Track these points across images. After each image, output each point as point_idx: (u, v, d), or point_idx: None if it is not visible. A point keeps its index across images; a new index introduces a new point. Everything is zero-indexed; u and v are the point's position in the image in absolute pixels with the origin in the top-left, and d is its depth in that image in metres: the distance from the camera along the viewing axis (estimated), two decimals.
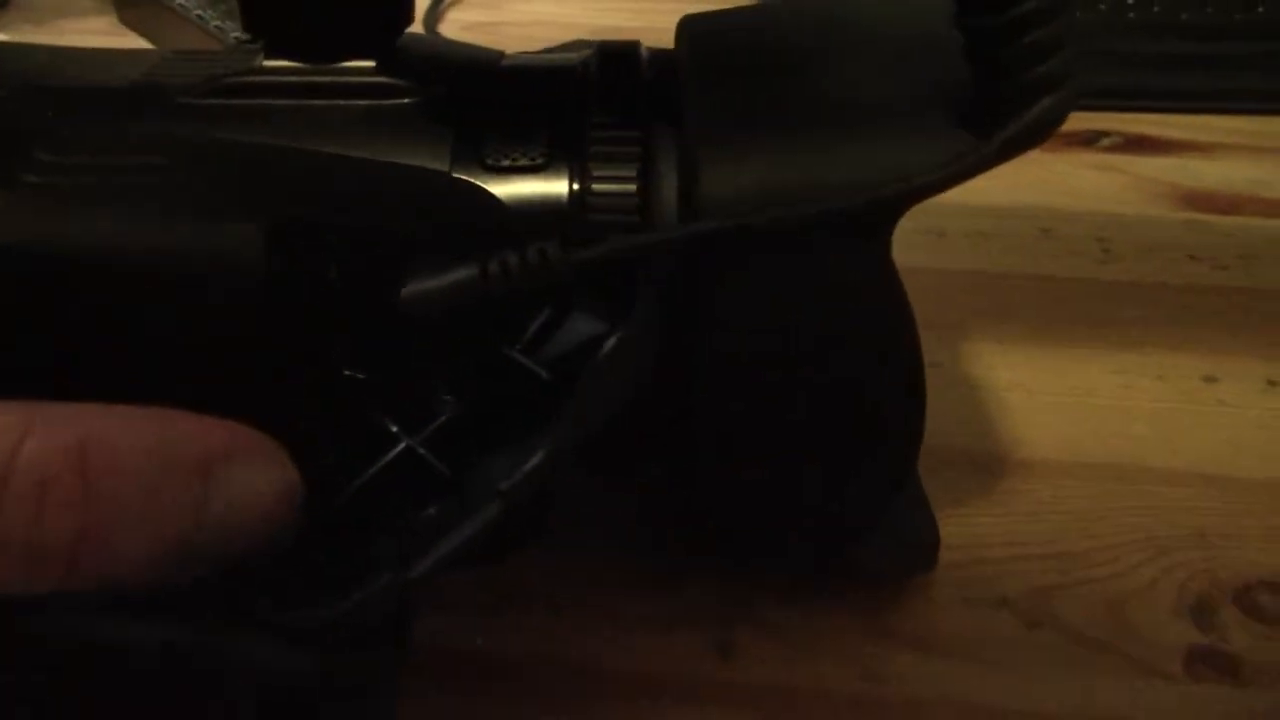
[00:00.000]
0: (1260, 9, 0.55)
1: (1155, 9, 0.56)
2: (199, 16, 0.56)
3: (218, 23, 0.55)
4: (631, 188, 0.22)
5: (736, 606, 0.27)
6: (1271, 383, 0.34)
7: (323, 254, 0.22)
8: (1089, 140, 0.50)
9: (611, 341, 0.19)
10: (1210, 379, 0.34)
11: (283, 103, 0.23)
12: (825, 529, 0.25)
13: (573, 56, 0.25)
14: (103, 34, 0.64)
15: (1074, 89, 0.19)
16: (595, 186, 0.22)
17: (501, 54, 0.26)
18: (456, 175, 0.22)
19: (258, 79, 0.23)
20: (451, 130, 0.23)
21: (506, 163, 0.22)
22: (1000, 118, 0.20)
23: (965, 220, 0.43)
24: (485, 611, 0.27)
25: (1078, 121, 0.51)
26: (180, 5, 0.57)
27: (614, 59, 0.24)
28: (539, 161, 0.22)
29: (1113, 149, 0.50)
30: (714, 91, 0.22)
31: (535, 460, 0.18)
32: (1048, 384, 0.35)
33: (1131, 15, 0.56)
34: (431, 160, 0.22)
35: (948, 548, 0.27)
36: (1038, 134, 0.20)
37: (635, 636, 0.27)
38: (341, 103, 0.23)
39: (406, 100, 0.23)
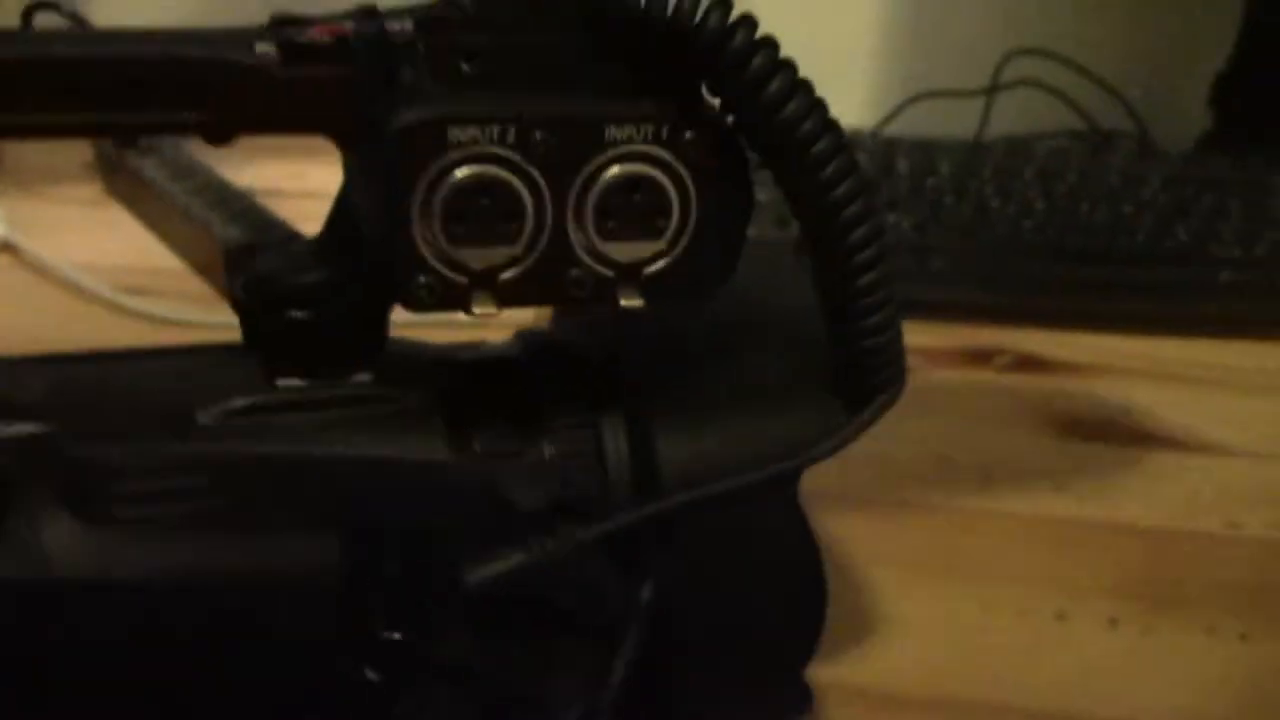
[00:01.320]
0: (1139, 237, 0.62)
1: (1049, 231, 0.63)
2: (184, 204, 0.60)
3: (201, 212, 0.60)
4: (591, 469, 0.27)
5: None
6: (1112, 621, 0.39)
7: (386, 554, 0.25)
8: (985, 357, 0.56)
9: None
10: (1061, 616, 0.39)
11: (303, 416, 0.26)
12: None
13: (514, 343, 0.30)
14: (89, 203, 0.67)
15: (899, 389, 0.26)
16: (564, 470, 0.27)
17: (475, 346, 0.30)
18: (461, 464, 0.26)
19: (268, 399, 0.26)
20: (445, 426, 0.27)
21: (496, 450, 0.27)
22: (861, 397, 0.26)
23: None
24: None
25: (975, 338, 0.58)
26: (164, 191, 0.62)
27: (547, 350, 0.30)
28: (515, 448, 0.27)
29: (1006, 368, 0.56)
30: (657, 374, 0.28)
31: None
32: (918, 613, 0.39)
33: (1027, 237, 0.63)
34: (437, 453, 0.26)
35: None
36: (877, 419, 0.26)
37: None
38: (350, 412, 0.27)
39: (398, 404, 0.27)
